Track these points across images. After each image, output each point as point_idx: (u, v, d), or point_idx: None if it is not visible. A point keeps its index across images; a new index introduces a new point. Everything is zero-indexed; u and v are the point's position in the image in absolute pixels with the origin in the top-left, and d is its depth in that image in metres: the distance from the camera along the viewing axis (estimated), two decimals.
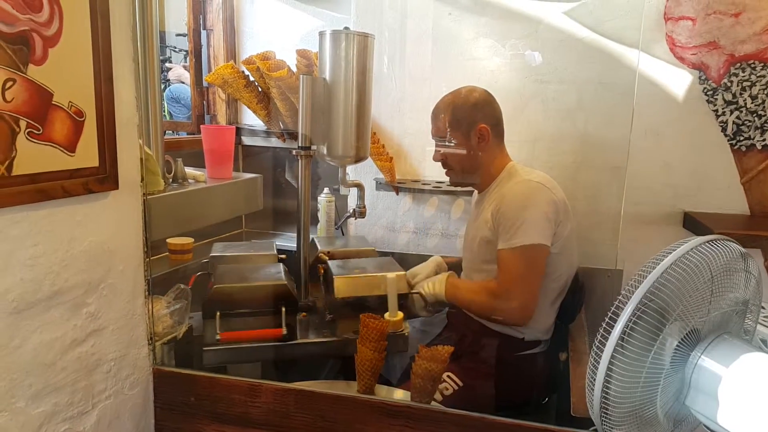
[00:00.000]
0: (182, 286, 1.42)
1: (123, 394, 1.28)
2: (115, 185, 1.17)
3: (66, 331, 1.11)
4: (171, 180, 1.76)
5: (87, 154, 1.10)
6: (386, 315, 1.48)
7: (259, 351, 1.42)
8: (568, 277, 1.64)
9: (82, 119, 1.08)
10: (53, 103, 1.02)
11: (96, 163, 1.12)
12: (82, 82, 1.08)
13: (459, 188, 1.96)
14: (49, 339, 1.07)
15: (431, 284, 1.64)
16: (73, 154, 1.07)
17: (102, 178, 1.13)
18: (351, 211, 2.06)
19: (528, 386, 1.62)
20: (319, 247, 1.81)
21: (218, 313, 1.38)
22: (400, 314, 1.43)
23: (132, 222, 1.25)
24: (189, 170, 1.85)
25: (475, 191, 1.83)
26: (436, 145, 1.73)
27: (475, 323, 1.66)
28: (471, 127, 1.65)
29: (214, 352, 1.38)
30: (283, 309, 1.40)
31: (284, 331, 1.39)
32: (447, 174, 1.76)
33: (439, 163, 1.74)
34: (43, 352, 1.06)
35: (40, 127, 1.00)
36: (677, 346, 0.94)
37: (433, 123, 1.73)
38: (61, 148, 1.05)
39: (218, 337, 1.36)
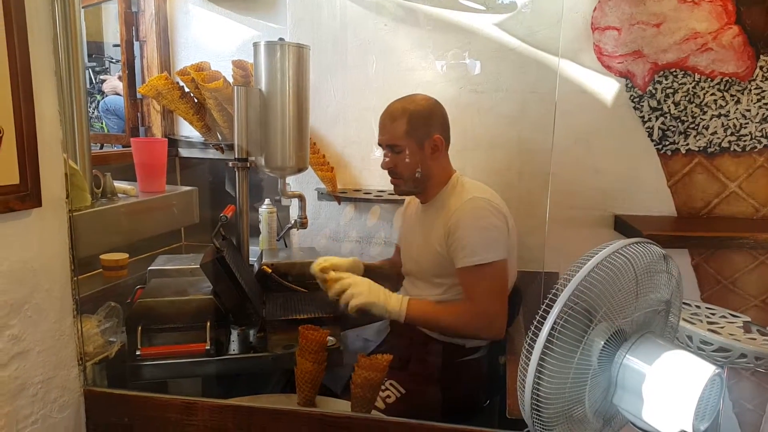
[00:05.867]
0: (113, 303, 1.38)
1: (52, 418, 1.23)
2: (37, 203, 1.13)
3: None
4: (99, 195, 1.70)
5: (6, 172, 1.06)
6: None
7: (188, 366, 1.37)
8: (511, 284, 1.68)
9: (0, 136, 1.04)
10: None
11: (16, 181, 1.08)
12: None
13: (402, 197, 1.95)
14: None
15: (384, 296, 1.53)
16: None
17: (23, 195, 1.09)
18: (292, 222, 2.05)
19: (469, 391, 1.64)
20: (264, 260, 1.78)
21: (140, 328, 1.34)
22: None
23: (57, 240, 1.21)
24: (119, 184, 1.79)
25: (410, 199, 1.84)
26: (385, 153, 1.67)
27: (417, 332, 1.67)
28: (426, 137, 1.61)
29: (137, 368, 1.33)
30: (208, 323, 1.37)
31: (207, 345, 1.36)
32: (393, 182, 1.69)
33: (384, 172, 1.68)
34: None
35: None
36: (603, 345, 0.98)
37: (382, 130, 1.65)
38: None
39: (138, 353, 1.32)
